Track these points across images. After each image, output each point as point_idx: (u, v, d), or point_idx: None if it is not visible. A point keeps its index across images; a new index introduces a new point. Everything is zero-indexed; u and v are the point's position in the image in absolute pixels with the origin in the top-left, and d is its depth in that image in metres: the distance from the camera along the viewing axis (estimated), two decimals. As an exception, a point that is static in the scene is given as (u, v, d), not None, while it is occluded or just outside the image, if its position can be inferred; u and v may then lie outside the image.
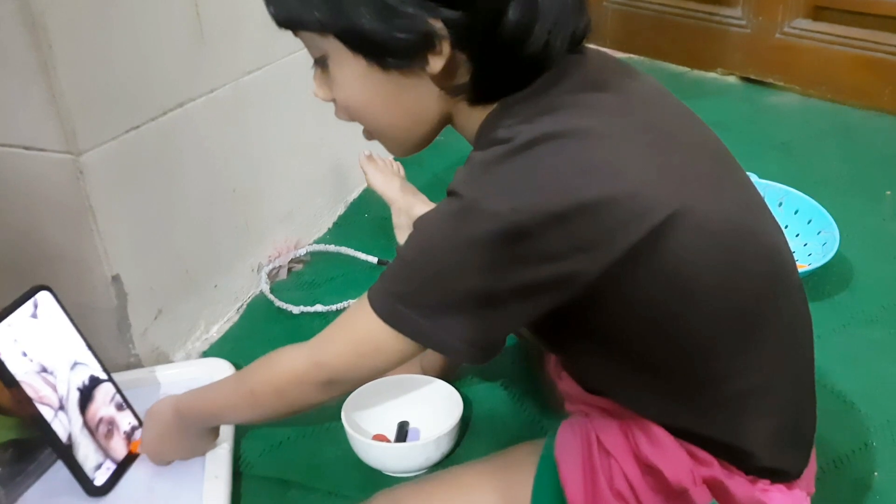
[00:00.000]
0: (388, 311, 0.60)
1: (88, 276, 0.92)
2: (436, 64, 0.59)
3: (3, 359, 0.74)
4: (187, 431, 0.82)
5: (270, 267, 1.24)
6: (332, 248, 1.30)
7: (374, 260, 1.26)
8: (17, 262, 0.89)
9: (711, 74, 2.12)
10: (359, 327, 0.63)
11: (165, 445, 0.83)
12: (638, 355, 0.65)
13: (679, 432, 0.66)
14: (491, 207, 0.56)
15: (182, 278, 1.06)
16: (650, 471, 0.66)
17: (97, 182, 0.88)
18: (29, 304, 0.79)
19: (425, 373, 0.96)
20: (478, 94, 0.62)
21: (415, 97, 0.63)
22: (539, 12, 0.58)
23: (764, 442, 0.65)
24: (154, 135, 0.96)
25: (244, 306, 1.18)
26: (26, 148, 0.86)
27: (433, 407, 0.90)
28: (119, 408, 0.86)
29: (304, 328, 1.13)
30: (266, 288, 1.19)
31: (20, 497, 0.81)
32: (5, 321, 0.76)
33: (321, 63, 0.64)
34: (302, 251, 1.29)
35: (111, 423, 0.84)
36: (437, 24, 0.57)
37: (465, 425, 0.89)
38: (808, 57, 1.93)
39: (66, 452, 0.79)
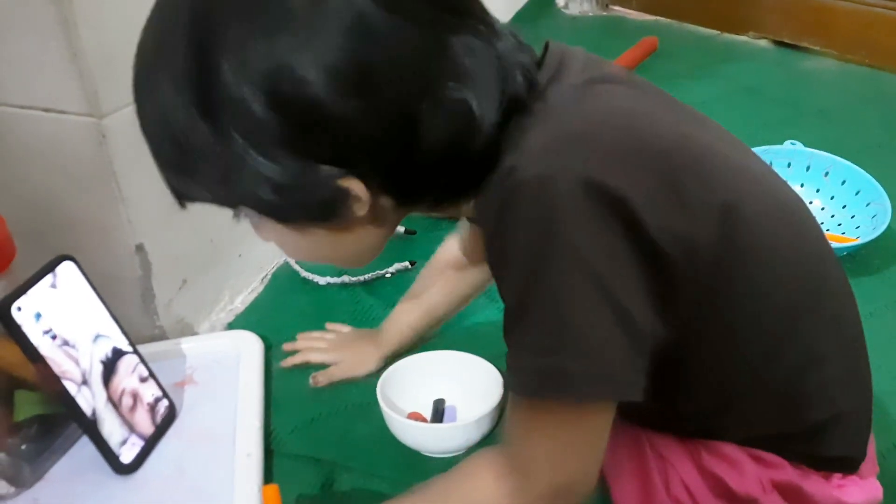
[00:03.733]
0: (558, 392, 0.50)
1: (112, 244, 0.89)
2: (359, 210, 0.52)
3: (27, 333, 0.71)
4: None
5: (295, 235, 1.20)
6: (357, 216, 1.25)
7: (402, 230, 1.22)
8: (39, 230, 0.85)
9: (742, 38, 2.04)
10: (541, 422, 0.52)
11: None
12: (700, 367, 0.59)
13: (743, 440, 0.62)
14: (587, 247, 0.48)
15: (206, 247, 1.02)
16: (712, 477, 0.62)
17: (121, 146, 0.84)
18: (52, 275, 0.75)
19: (380, 353, 0.92)
20: (433, 204, 0.55)
21: (353, 235, 0.56)
22: (474, 109, 0.49)
23: (832, 429, 0.61)
24: (178, 97, 0.91)
25: (269, 276, 1.15)
26: (46, 110, 0.82)
27: (469, 384, 0.87)
28: (143, 380, 0.83)
29: (331, 300, 1.09)
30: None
31: (46, 473, 0.79)
32: (28, 293, 0.72)
33: (239, 215, 0.57)
34: (326, 219, 1.24)
35: (135, 397, 0.81)
36: (342, 182, 0.50)
37: (501, 404, 0.86)
38: (845, 19, 1.85)
39: (92, 429, 0.76)
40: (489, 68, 0.50)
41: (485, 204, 0.53)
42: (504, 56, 0.51)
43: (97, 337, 0.79)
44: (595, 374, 0.50)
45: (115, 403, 0.78)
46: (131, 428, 0.79)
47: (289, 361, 0.95)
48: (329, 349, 0.95)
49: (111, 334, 0.81)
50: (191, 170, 0.52)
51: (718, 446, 0.62)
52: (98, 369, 0.78)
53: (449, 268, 0.90)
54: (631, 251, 0.50)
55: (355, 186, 0.51)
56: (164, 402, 0.84)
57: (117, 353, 0.81)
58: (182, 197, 0.56)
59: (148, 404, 0.82)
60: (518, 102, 0.52)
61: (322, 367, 0.94)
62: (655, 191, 0.50)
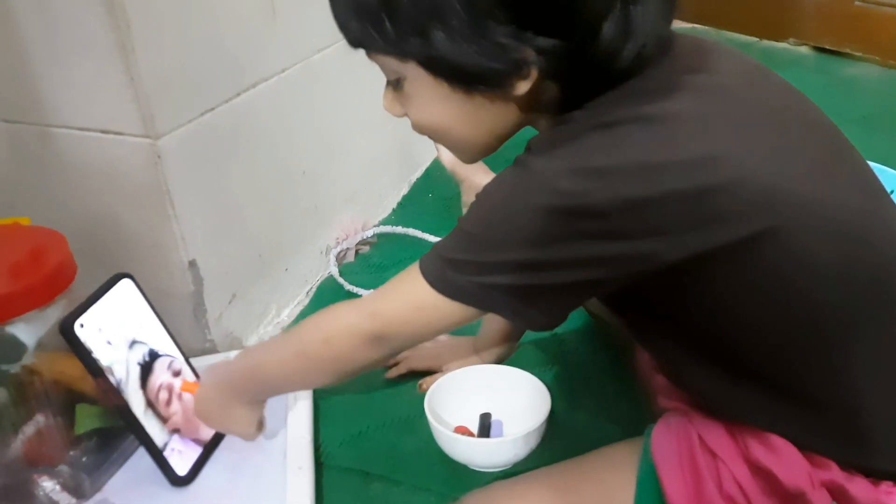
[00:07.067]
0: (435, 277, 0.59)
1: (165, 261, 0.91)
2: (522, 87, 0.57)
3: (90, 349, 0.73)
4: (237, 402, 0.76)
5: (338, 249, 1.22)
6: (399, 229, 1.27)
7: (444, 242, 1.23)
8: (94, 248, 0.87)
9: (782, 45, 2.03)
10: (409, 289, 0.61)
11: (215, 416, 0.79)
12: (738, 353, 0.61)
13: (790, 437, 0.63)
14: (561, 186, 0.54)
15: (255, 262, 1.04)
16: (761, 473, 0.63)
17: (174, 166, 0.86)
18: (112, 292, 0.77)
19: (481, 359, 0.94)
20: (563, 108, 0.59)
21: (494, 116, 0.61)
22: (633, 28, 0.54)
23: (885, 442, 0.61)
24: (228, 117, 0.93)
25: (313, 289, 1.16)
26: (103, 132, 0.85)
27: (515, 398, 0.88)
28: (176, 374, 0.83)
29: (375, 312, 1.10)
30: (335, 271, 1.17)
31: (104, 485, 0.81)
32: (90, 310, 0.74)
33: (396, 84, 0.61)
34: (369, 233, 1.26)
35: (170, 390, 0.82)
36: (529, 52, 0.54)
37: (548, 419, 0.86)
38: (888, 25, 1.83)
39: (149, 442, 0.78)
40: (650, 17, 0.54)
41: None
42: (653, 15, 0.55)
43: (133, 343, 0.79)
44: (470, 289, 0.58)
45: (153, 404, 0.79)
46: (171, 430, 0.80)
47: (394, 372, 0.97)
48: (432, 357, 0.97)
49: (169, 352, 0.83)
50: (386, 16, 0.55)
51: (768, 437, 0.63)
52: (135, 372, 0.78)
53: None
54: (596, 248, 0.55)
55: (531, 56, 0.54)
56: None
57: (176, 372, 0.83)
58: (359, 45, 0.59)
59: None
60: (636, 62, 0.55)
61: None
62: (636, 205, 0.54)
